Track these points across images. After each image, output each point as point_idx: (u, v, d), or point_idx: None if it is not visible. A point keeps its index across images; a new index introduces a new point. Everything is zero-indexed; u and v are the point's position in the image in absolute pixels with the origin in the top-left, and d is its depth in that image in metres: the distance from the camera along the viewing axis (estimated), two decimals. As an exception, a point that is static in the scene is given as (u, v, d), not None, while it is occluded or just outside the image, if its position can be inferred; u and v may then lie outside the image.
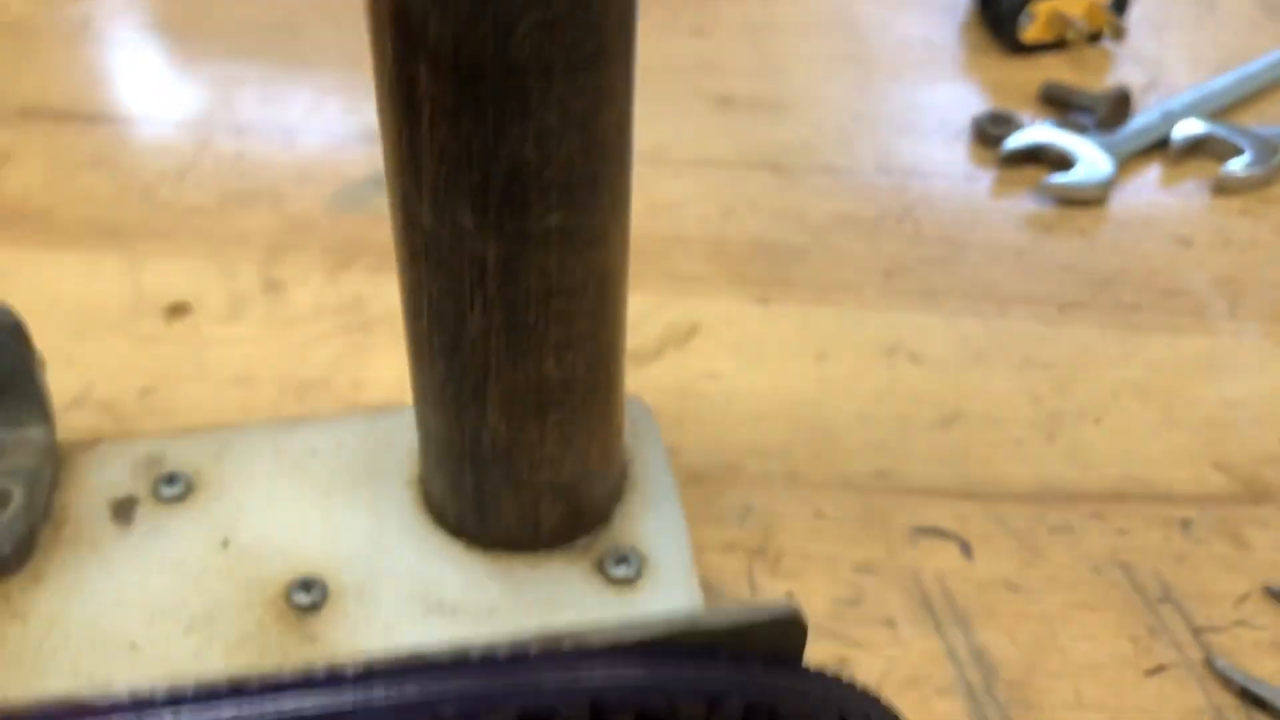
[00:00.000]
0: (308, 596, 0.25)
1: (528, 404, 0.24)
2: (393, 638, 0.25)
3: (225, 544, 0.26)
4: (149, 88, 0.45)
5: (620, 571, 0.26)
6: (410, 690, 0.16)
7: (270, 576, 0.26)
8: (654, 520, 0.27)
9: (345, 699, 0.16)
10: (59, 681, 0.24)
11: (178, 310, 0.35)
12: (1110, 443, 0.32)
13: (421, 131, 0.20)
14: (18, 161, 0.40)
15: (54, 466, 0.27)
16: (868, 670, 0.26)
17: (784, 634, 0.18)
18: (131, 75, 0.46)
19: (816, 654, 0.26)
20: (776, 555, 0.28)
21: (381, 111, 0.21)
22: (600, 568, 0.26)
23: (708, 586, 0.27)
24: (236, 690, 0.16)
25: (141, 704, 0.15)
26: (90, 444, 0.28)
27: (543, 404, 0.24)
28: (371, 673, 0.16)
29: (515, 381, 0.23)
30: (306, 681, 0.16)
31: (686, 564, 0.26)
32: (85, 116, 0.43)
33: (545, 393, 0.23)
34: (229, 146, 0.42)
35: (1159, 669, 0.26)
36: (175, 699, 0.16)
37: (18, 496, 0.26)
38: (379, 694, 0.16)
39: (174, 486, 0.27)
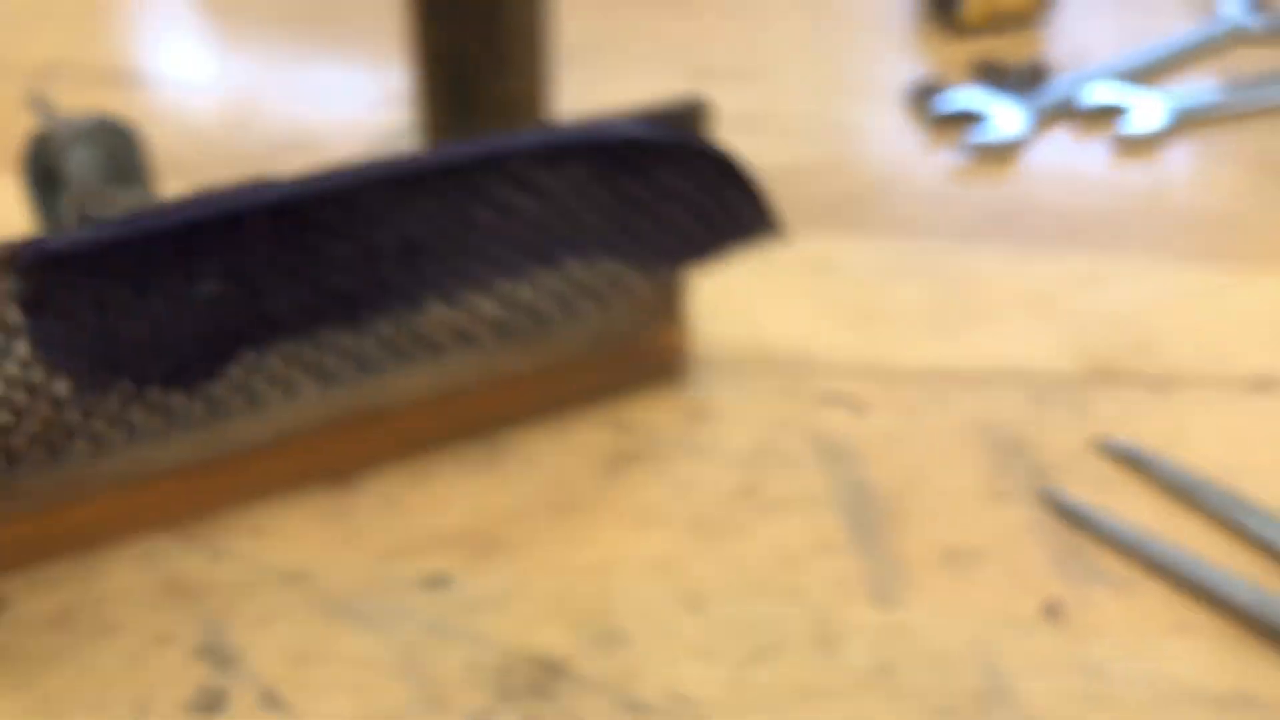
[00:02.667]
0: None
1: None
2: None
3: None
4: (208, 58, 0.53)
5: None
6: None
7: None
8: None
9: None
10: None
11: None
12: (992, 337, 0.39)
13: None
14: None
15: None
16: (775, 494, 0.33)
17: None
18: (191, 43, 0.54)
19: (730, 480, 0.33)
20: (709, 410, 0.36)
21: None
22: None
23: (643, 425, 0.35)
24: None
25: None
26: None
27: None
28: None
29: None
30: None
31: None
32: (150, 81, 0.51)
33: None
34: (277, 113, 0.50)
35: (1000, 495, 0.33)
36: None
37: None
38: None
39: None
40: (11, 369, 0.27)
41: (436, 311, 0.31)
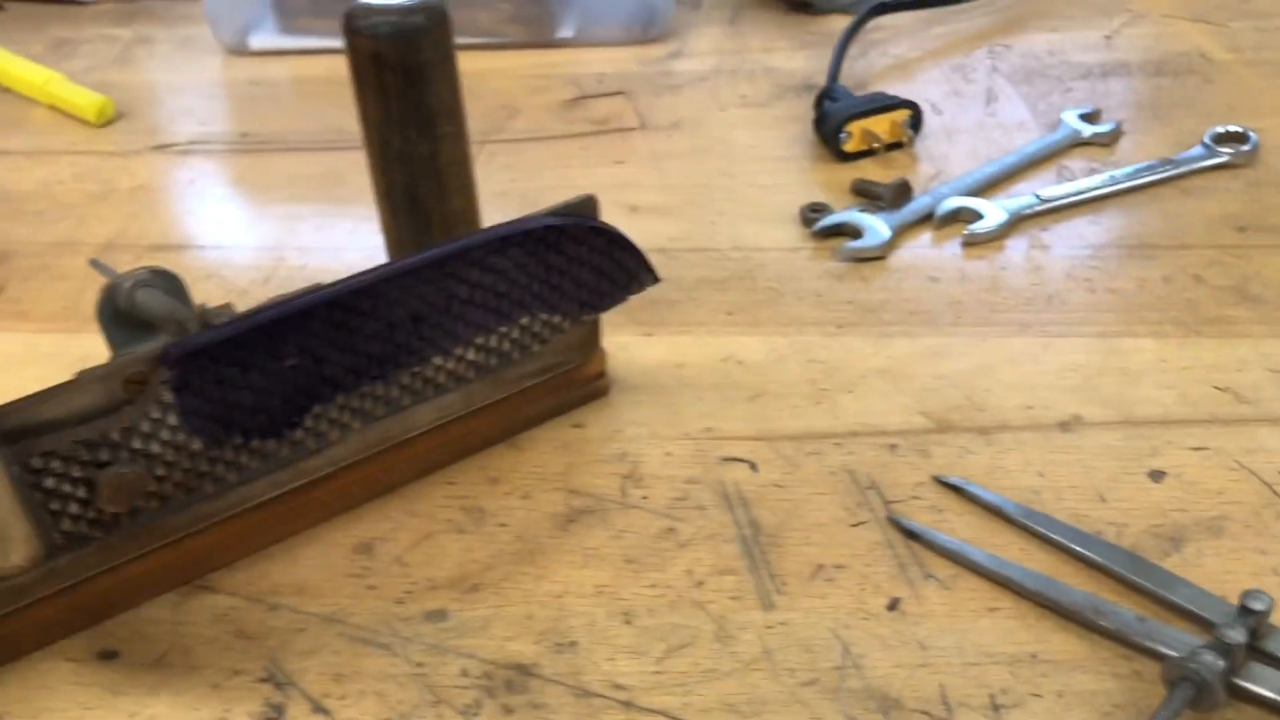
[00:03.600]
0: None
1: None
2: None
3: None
4: (238, 224, 0.66)
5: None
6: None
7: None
8: (558, 455, 0.46)
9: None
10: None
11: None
12: (856, 404, 0.50)
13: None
14: (156, 279, 0.60)
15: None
16: (688, 534, 0.44)
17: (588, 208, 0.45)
18: (225, 216, 0.67)
19: (655, 526, 0.44)
20: (639, 475, 0.47)
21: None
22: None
23: (591, 490, 0.46)
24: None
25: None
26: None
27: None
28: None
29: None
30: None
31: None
32: (196, 246, 0.63)
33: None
34: (296, 261, 0.62)
35: (860, 523, 0.44)
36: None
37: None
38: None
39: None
40: (166, 435, 0.39)
41: (436, 362, 0.45)
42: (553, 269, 0.45)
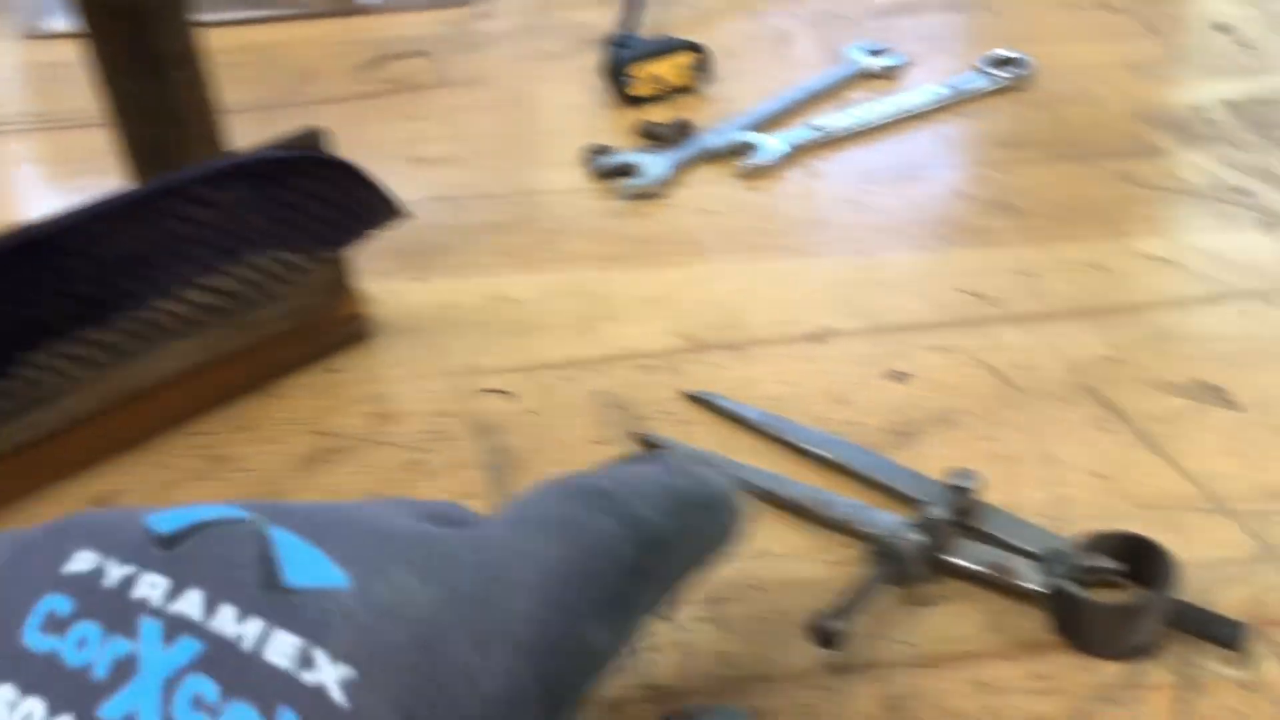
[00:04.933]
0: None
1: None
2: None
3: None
4: (41, 202, 0.64)
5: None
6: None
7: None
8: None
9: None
10: None
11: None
12: (619, 331, 0.50)
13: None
14: None
15: None
16: (436, 464, 0.44)
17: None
18: (31, 198, 0.65)
19: (402, 459, 0.44)
20: (391, 413, 0.47)
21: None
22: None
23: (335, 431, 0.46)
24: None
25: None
26: None
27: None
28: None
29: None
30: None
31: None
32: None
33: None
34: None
35: (603, 441, 0.44)
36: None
37: None
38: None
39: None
40: None
41: (161, 305, 0.43)
42: (281, 204, 0.44)
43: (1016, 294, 0.50)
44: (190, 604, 0.22)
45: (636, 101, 0.67)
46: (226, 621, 0.21)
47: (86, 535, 0.23)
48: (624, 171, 0.61)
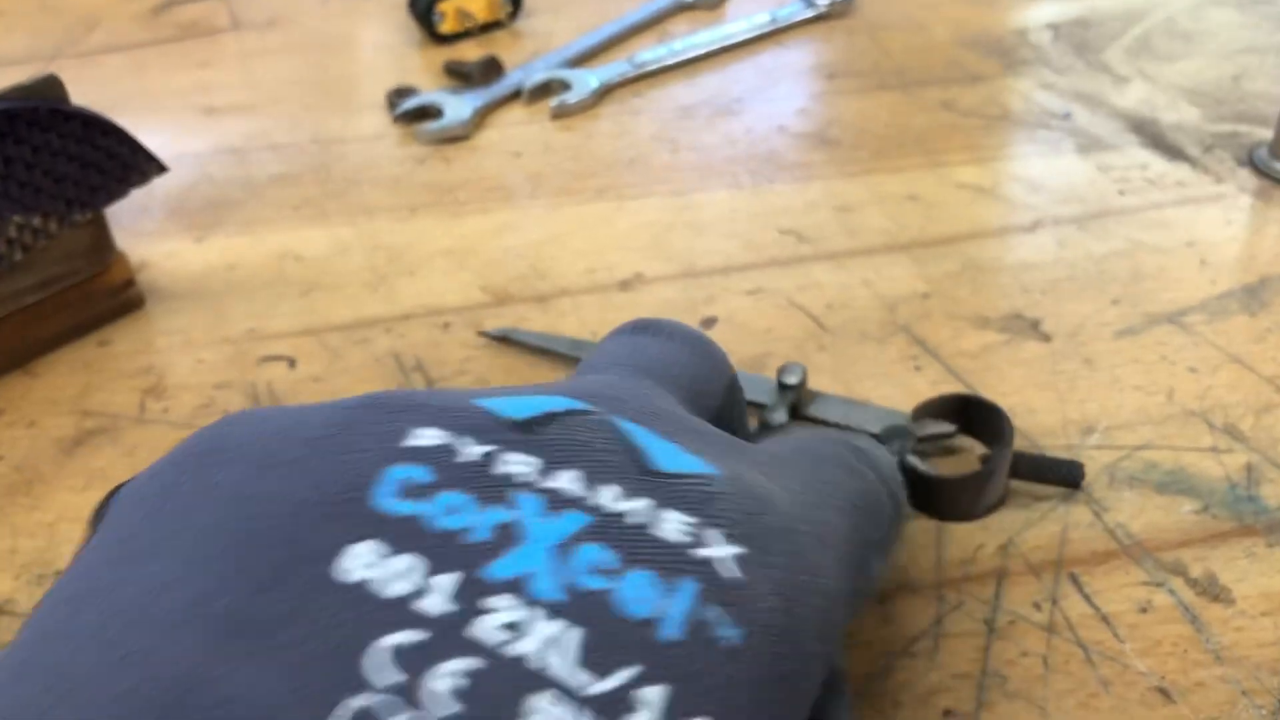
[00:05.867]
0: None
1: None
2: None
3: None
4: None
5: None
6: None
7: None
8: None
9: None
10: None
11: None
12: (416, 286, 0.47)
13: None
14: None
15: None
16: (210, 442, 0.40)
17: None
18: None
19: (173, 438, 0.40)
20: (163, 388, 0.43)
21: None
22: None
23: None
24: None
25: None
26: None
27: None
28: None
29: None
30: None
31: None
32: None
33: None
34: None
35: (396, 406, 0.41)
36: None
37: None
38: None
39: None
40: None
41: None
42: (15, 161, 0.39)
43: (832, 231, 0.48)
44: (568, 481, 0.21)
45: (445, 40, 0.63)
46: (611, 499, 0.21)
47: (423, 415, 0.22)
48: (426, 114, 0.57)
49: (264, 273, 0.48)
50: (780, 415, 0.37)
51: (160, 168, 0.43)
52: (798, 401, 0.38)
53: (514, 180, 0.53)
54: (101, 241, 0.44)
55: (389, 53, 0.63)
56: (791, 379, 0.38)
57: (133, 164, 0.42)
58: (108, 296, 0.45)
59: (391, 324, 0.45)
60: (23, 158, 0.40)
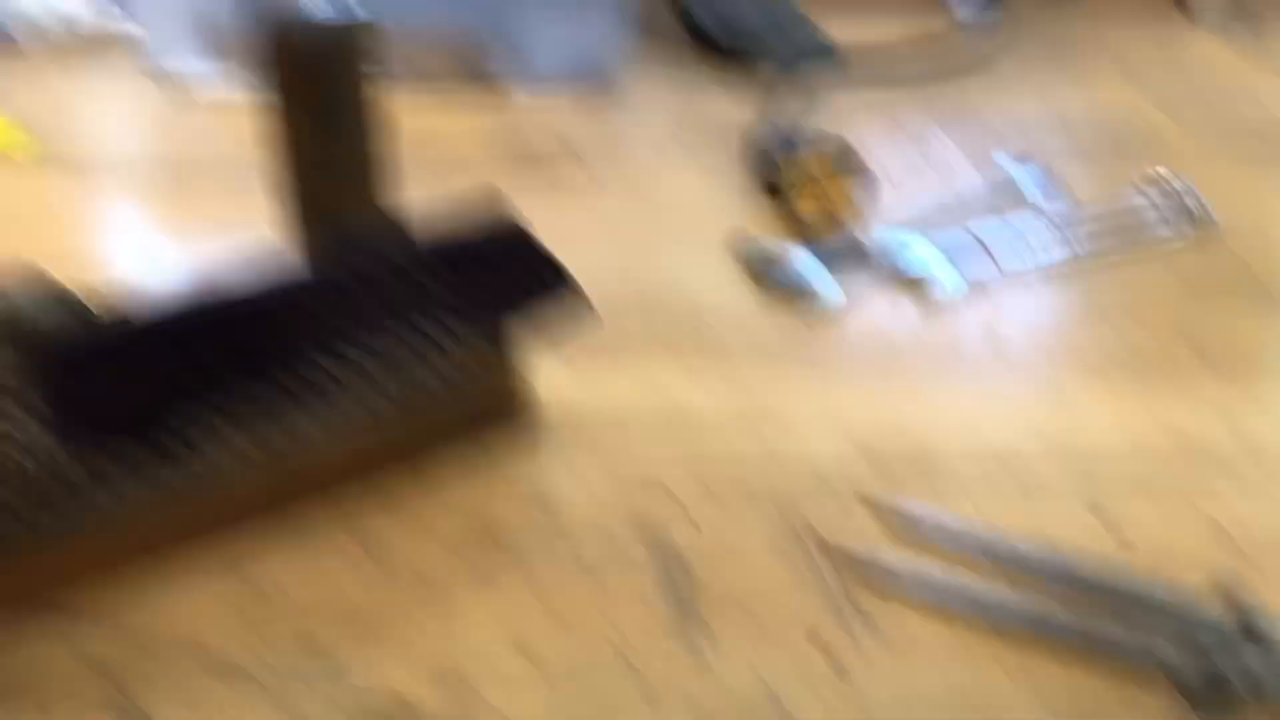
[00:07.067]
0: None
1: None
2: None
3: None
4: (150, 248, 0.62)
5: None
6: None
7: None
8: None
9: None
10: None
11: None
12: (794, 444, 0.47)
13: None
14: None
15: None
16: (607, 576, 0.40)
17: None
18: (140, 241, 0.63)
19: (570, 566, 0.40)
20: (556, 511, 0.43)
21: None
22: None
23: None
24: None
25: None
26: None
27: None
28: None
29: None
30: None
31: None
32: (103, 264, 0.59)
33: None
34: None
35: (783, 551, 0.41)
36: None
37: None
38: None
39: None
40: (29, 435, 0.35)
41: (324, 365, 0.40)
42: (460, 273, 0.41)
43: (1217, 435, 0.47)
44: None
45: (784, 196, 0.64)
46: None
47: None
48: (776, 268, 0.58)
49: (642, 411, 0.49)
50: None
51: (576, 294, 0.44)
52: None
53: (880, 351, 0.53)
54: (507, 359, 0.45)
55: (728, 204, 0.65)
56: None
57: (553, 288, 0.44)
58: (498, 411, 0.46)
59: (769, 470, 0.45)
60: (468, 271, 0.41)
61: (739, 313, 0.55)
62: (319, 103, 0.44)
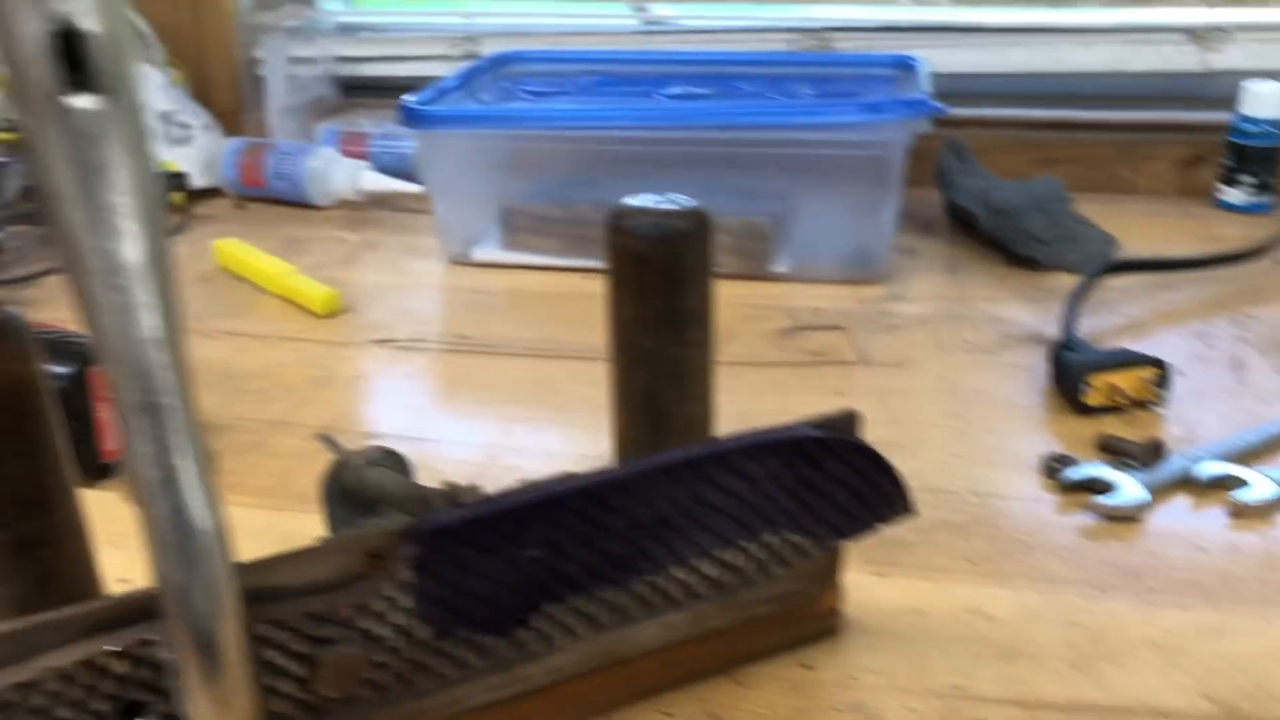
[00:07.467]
0: None
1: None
2: None
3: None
4: (452, 420, 0.65)
5: None
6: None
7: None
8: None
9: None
10: None
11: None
12: (1126, 678, 0.44)
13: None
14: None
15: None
16: (938, 806, 0.38)
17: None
18: (440, 412, 0.66)
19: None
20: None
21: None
22: None
23: None
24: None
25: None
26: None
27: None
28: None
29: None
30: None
31: None
32: (411, 438, 0.63)
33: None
34: (509, 461, 0.60)
35: (1145, 818, 0.38)
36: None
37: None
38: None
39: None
40: (396, 618, 0.36)
41: (674, 572, 0.41)
42: (806, 485, 0.41)
43: None
44: None
45: (1087, 410, 0.63)
46: None
47: None
48: (1093, 487, 0.56)
49: (956, 625, 0.47)
50: None
51: (910, 509, 0.44)
52: None
53: (1204, 575, 0.50)
54: (831, 568, 0.45)
55: (1026, 414, 0.64)
56: None
57: (891, 502, 0.44)
58: (816, 620, 0.46)
59: (1109, 715, 0.42)
60: (813, 482, 0.42)
61: (1046, 526, 0.53)
62: (660, 300, 0.46)
